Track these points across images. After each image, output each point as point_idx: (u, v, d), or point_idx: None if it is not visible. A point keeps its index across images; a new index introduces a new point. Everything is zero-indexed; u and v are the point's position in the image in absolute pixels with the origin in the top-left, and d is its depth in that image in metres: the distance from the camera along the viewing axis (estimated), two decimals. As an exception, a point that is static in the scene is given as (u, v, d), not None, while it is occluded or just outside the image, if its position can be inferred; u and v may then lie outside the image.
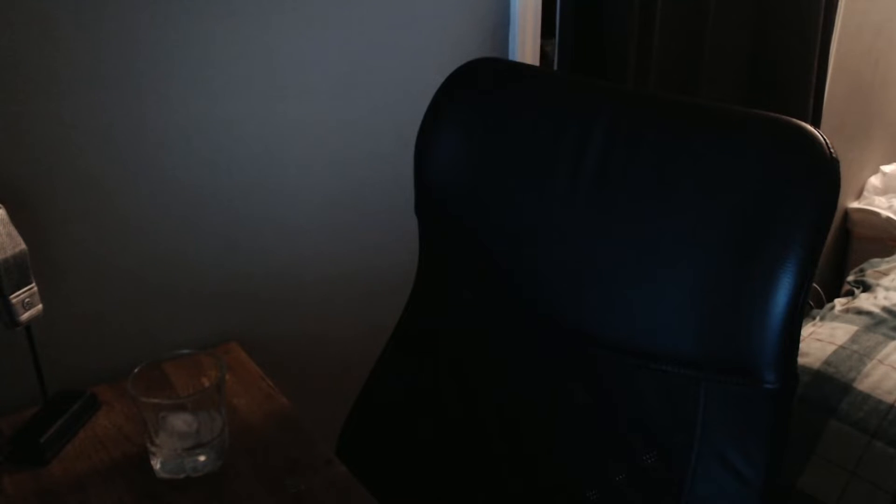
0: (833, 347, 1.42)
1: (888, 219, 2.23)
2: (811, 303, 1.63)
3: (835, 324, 1.54)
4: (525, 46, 1.22)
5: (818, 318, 1.62)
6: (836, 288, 2.22)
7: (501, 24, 1.20)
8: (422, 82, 1.13)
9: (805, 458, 1.30)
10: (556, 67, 1.29)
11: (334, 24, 1.03)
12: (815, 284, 2.14)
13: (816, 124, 1.82)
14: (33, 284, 0.82)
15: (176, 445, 0.77)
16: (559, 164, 0.77)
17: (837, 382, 1.34)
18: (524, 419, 0.84)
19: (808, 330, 1.53)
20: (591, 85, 0.80)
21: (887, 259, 1.92)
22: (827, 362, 1.38)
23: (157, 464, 0.78)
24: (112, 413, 0.89)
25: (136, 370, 0.78)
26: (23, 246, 0.80)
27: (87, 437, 0.85)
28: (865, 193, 2.39)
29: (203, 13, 0.92)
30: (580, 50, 1.27)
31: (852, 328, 1.50)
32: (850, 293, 1.77)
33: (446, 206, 0.86)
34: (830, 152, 0.64)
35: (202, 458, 0.78)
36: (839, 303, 1.68)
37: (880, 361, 1.37)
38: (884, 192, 2.38)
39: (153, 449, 0.77)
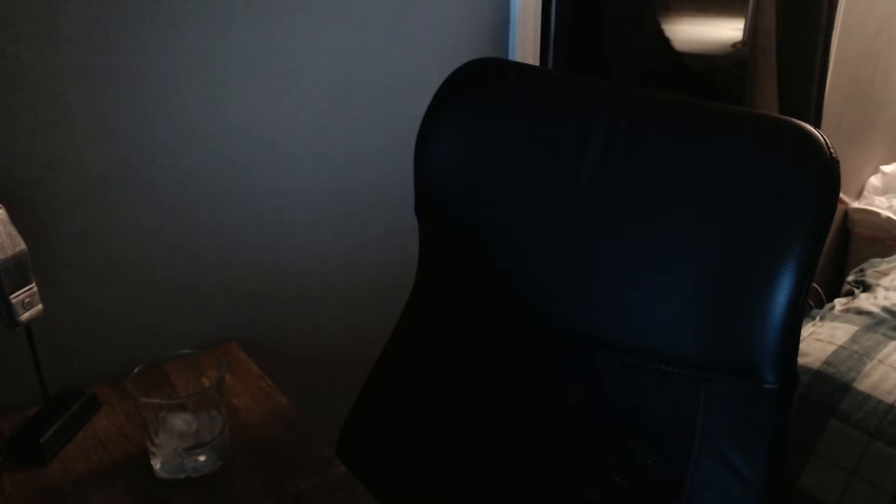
0: (833, 347, 1.42)
1: (888, 219, 2.23)
2: (811, 303, 1.63)
3: (835, 324, 1.54)
4: (525, 46, 1.22)
5: (818, 318, 1.62)
6: (836, 288, 2.22)
7: (501, 24, 1.20)
8: (422, 82, 1.13)
9: (805, 458, 1.30)
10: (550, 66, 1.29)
11: (335, 24, 1.03)
12: (815, 284, 2.14)
13: (817, 124, 1.82)
14: (33, 284, 0.82)
15: (176, 445, 0.77)
16: (559, 163, 0.77)
17: (837, 382, 1.34)
18: (524, 419, 0.84)
19: (808, 330, 1.53)
20: (592, 84, 0.80)
21: (887, 259, 1.92)
22: (827, 362, 1.38)
23: (157, 464, 0.78)
24: (112, 413, 0.89)
25: (136, 370, 0.78)
26: (23, 246, 0.80)
27: (87, 437, 0.85)
28: (865, 193, 2.39)
29: (204, 14, 0.92)
30: (576, 48, 1.27)
31: (852, 328, 1.50)
32: (850, 293, 1.77)
33: (446, 206, 0.86)
34: (830, 152, 0.64)
35: (202, 458, 0.78)
36: (839, 303, 1.68)
37: (880, 361, 1.37)
38: (884, 192, 2.38)
39: (153, 449, 0.77)
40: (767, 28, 1.63)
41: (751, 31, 1.70)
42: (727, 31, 1.76)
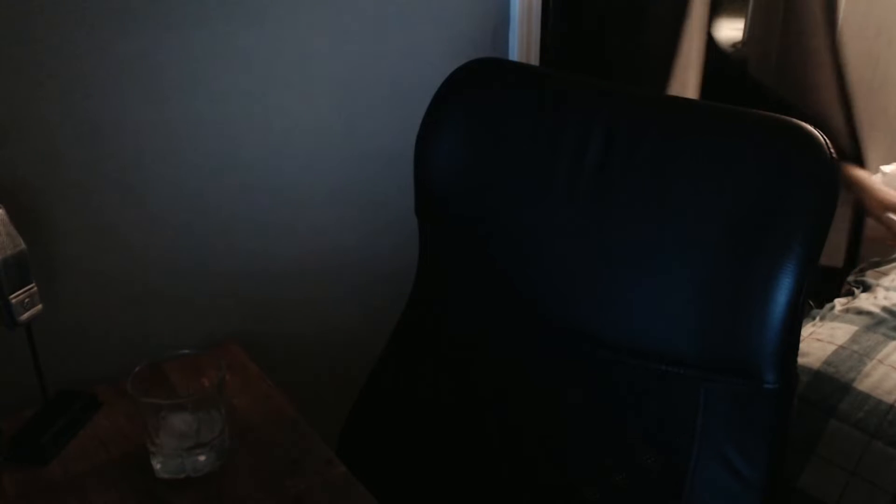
0: (833, 347, 1.42)
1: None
2: (811, 303, 1.63)
3: (835, 324, 1.54)
4: (525, 46, 1.22)
5: (818, 318, 1.62)
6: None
7: (501, 24, 1.20)
8: (422, 82, 1.13)
9: (805, 458, 1.30)
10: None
11: (336, 24, 1.03)
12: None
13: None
14: (33, 284, 0.82)
15: (176, 445, 0.77)
16: (559, 163, 0.77)
17: (837, 382, 1.33)
18: (524, 419, 0.84)
19: (808, 330, 1.53)
20: (592, 84, 0.80)
21: (887, 259, 1.92)
22: (827, 362, 1.38)
23: (157, 464, 0.78)
24: (112, 413, 0.89)
25: (136, 370, 0.78)
26: (23, 246, 0.80)
27: (87, 437, 0.85)
28: (865, 193, 2.39)
29: (204, 14, 0.92)
30: (572, 45, 1.27)
31: (852, 328, 1.50)
32: (850, 293, 1.77)
33: (446, 206, 0.86)
34: (830, 152, 0.64)
35: (202, 458, 0.78)
36: (839, 303, 1.68)
37: (880, 361, 1.37)
38: (884, 192, 2.37)
39: (153, 449, 0.77)
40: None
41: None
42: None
